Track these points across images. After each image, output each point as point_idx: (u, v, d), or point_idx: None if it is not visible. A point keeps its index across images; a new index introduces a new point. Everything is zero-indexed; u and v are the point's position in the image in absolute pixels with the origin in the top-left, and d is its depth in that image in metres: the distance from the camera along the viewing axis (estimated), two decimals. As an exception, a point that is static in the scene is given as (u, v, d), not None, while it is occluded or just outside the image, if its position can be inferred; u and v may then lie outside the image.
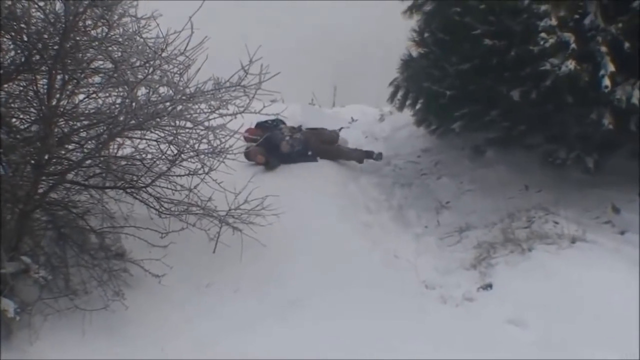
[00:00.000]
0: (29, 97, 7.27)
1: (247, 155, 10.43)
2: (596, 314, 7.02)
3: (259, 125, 11.38)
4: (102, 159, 7.39)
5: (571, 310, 7.14)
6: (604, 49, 8.64)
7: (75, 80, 7.16)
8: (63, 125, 7.25)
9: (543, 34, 8.76)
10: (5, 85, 7.15)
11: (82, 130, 7.33)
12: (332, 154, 11.55)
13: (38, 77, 7.03)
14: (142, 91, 7.33)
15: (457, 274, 8.37)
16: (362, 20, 30.83)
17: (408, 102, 12.29)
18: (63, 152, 7.28)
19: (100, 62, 7.35)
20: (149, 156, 7.74)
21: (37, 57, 6.86)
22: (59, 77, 6.91)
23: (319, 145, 11.53)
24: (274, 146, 11.02)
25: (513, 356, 6.60)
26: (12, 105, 7.32)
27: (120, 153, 7.72)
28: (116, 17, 7.18)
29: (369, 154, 11.77)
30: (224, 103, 7.49)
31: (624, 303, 7.08)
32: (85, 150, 7.34)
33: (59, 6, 6.82)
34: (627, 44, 8.62)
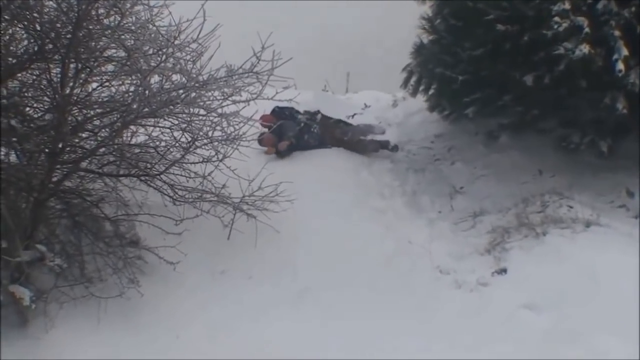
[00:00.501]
0: (42, 86, 7.28)
1: (260, 142, 10.45)
2: (611, 298, 7.02)
3: (274, 112, 11.35)
4: (115, 147, 7.40)
5: (586, 295, 7.14)
6: (617, 33, 8.62)
7: (88, 69, 7.17)
8: (77, 114, 7.27)
9: (556, 18, 8.75)
10: (19, 75, 7.17)
11: (95, 118, 7.34)
12: (346, 147, 11.53)
13: (51, 66, 7.04)
14: (155, 79, 7.34)
15: (471, 259, 8.38)
16: (363, 19, 30.78)
17: (421, 88, 12.26)
18: (77, 140, 7.29)
19: (113, 51, 7.35)
20: (163, 144, 7.75)
21: (50, 46, 6.87)
22: (72, 65, 6.91)
23: (334, 143, 11.51)
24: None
25: (527, 341, 6.60)
26: (26, 94, 7.33)
27: (133, 141, 7.73)
28: (128, 5, 7.18)
29: (384, 144, 11.68)
30: (237, 90, 7.50)
31: (637, 286, 7.06)
32: (99, 139, 7.35)
33: (71, -6, 6.82)
34: (640, 28, 8.60)
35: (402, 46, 12.43)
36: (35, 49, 6.99)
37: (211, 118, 7.56)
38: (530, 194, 9.46)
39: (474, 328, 6.88)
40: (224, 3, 7.48)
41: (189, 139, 7.61)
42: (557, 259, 7.77)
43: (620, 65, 8.53)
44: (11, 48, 7.04)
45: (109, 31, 7.04)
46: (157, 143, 7.75)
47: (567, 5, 8.68)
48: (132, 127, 7.51)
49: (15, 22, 6.88)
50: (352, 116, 13.14)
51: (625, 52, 8.54)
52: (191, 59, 7.43)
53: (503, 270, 7.98)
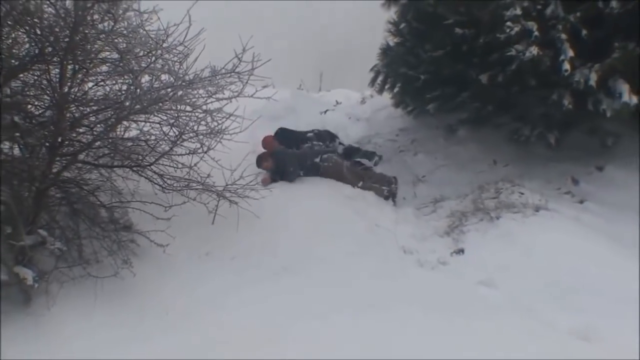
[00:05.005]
0: (42, 86, 7.25)
1: (258, 163, 10.25)
2: (557, 275, 7.18)
3: (277, 134, 11.00)
4: (110, 140, 7.39)
5: (535, 272, 7.30)
6: (564, 36, 8.73)
7: (84, 70, 7.15)
8: (74, 111, 7.24)
9: (509, 23, 8.86)
10: (21, 75, 7.15)
11: (91, 114, 7.33)
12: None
13: (51, 67, 7.01)
14: (145, 79, 7.33)
15: (432, 240, 8.48)
16: (345, 18, 30.66)
17: (387, 86, 12.37)
18: (74, 134, 7.27)
19: (107, 53, 7.32)
20: (153, 137, 7.75)
21: (50, 49, 6.84)
22: (69, 67, 6.90)
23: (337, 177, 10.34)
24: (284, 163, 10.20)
25: (484, 314, 6.68)
26: (28, 93, 7.31)
27: (126, 135, 7.70)
28: (121, 11, 7.16)
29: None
30: (220, 88, 7.55)
31: (582, 265, 7.21)
32: (95, 133, 7.34)
33: (68, 2, 6.81)
34: (584, 32, 8.70)
35: (371, 47, 12.54)
36: (36, 51, 6.96)
37: (196, 114, 7.57)
38: (485, 181, 9.58)
39: (436, 302, 6.95)
40: (207, 4, 7.46)
41: (177, 133, 7.61)
42: (509, 240, 7.92)
43: (567, 66, 8.64)
44: (14, 51, 7.01)
45: (103, 35, 7.03)
46: (148, 137, 7.74)
47: (518, 11, 8.78)
48: (125, 122, 7.49)
49: (18, 26, 6.85)
50: (325, 112, 13.20)
51: (571, 53, 8.65)
52: (178, 60, 7.43)
53: (461, 251, 8.08)
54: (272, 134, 10.95)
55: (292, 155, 10.34)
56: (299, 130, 11.39)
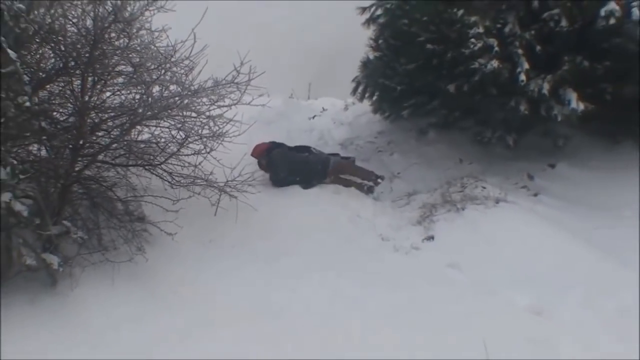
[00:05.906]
0: (66, 95, 7.32)
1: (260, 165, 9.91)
2: (514, 259, 7.31)
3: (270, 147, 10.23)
4: (125, 142, 7.47)
5: (495, 257, 7.43)
6: (520, 51, 8.92)
7: (103, 81, 7.23)
8: (94, 117, 7.30)
9: (473, 40, 9.00)
10: (48, 86, 7.24)
11: (109, 120, 7.39)
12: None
13: (73, 79, 7.10)
14: (156, 89, 7.43)
15: (406, 229, 8.56)
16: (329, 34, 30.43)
17: (367, 95, 12.46)
18: (94, 138, 7.34)
19: (123, 66, 7.40)
20: (163, 140, 7.82)
21: (72, 63, 6.93)
22: (90, 78, 6.98)
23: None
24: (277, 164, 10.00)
25: (453, 292, 6.83)
26: (54, 101, 7.39)
27: (139, 138, 7.78)
28: (135, 30, 7.25)
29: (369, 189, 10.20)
30: (221, 97, 7.66)
31: (536, 250, 7.36)
32: (112, 136, 7.42)
33: (89, 22, 6.90)
34: (538, 47, 8.87)
35: (353, 60, 12.64)
36: (61, 65, 7.05)
37: (201, 119, 7.67)
38: (452, 177, 9.70)
39: (410, 282, 7.07)
40: (207, 3, 7.49)
41: (183, 136, 7.71)
42: (473, 228, 8.06)
43: (523, 77, 8.85)
44: (41, 65, 7.11)
45: (119, 51, 7.12)
46: (158, 139, 7.81)
47: (481, 29, 8.94)
48: (138, 127, 7.58)
49: (44, 43, 6.94)
50: (313, 117, 13.28)
51: (526, 66, 8.86)
52: (184, 73, 7.53)
53: (431, 237, 8.18)
54: (262, 142, 10.27)
55: (286, 161, 10.05)
56: (288, 144, 10.64)
